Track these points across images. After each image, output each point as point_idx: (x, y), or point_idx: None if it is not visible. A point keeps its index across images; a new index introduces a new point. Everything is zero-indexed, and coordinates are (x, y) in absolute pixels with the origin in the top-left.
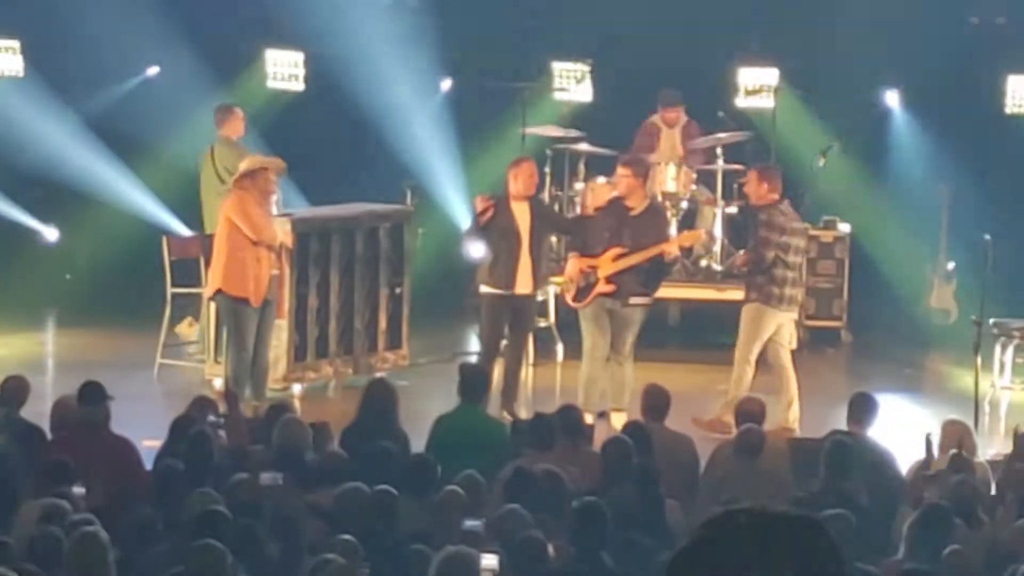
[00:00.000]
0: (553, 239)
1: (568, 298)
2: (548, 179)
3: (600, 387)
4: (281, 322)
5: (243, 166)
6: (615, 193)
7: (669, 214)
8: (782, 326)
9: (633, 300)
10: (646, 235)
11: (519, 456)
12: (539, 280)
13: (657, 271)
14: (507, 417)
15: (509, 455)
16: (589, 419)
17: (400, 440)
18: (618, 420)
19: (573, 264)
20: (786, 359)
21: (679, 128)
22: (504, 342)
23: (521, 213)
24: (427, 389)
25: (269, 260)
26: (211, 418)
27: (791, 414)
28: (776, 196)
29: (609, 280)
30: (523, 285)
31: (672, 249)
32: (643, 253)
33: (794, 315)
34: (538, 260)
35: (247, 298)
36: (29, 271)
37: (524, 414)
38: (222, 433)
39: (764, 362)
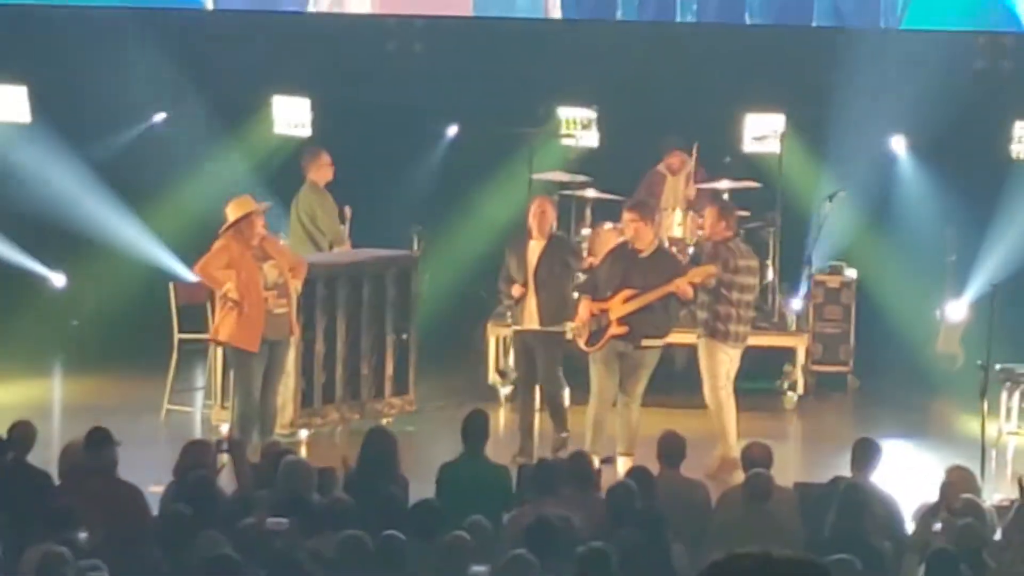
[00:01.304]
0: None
1: (581, 343)
2: (555, 225)
3: (608, 430)
4: (288, 367)
5: (229, 214)
6: (623, 237)
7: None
8: (731, 362)
9: (646, 342)
10: (656, 276)
11: (525, 502)
12: (546, 316)
13: (669, 312)
14: (519, 461)
15: (513, 501)
16: (596, 462)
17: (401, 486)
18: (625, 465)
19: (584, 308)
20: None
21: (684, 174)
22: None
23: (533, 251)
24: (434, 435)
25: (262, 304)
26: (223, 445)
27: (726, 447)
28: (730, 233)
29: (621, 322)
30: (530, 320)
31: (685, 287)
32: (654, 293)
33: (739, 351)
34: (544, 297)
35: (241, 347)
36: (36, 317)
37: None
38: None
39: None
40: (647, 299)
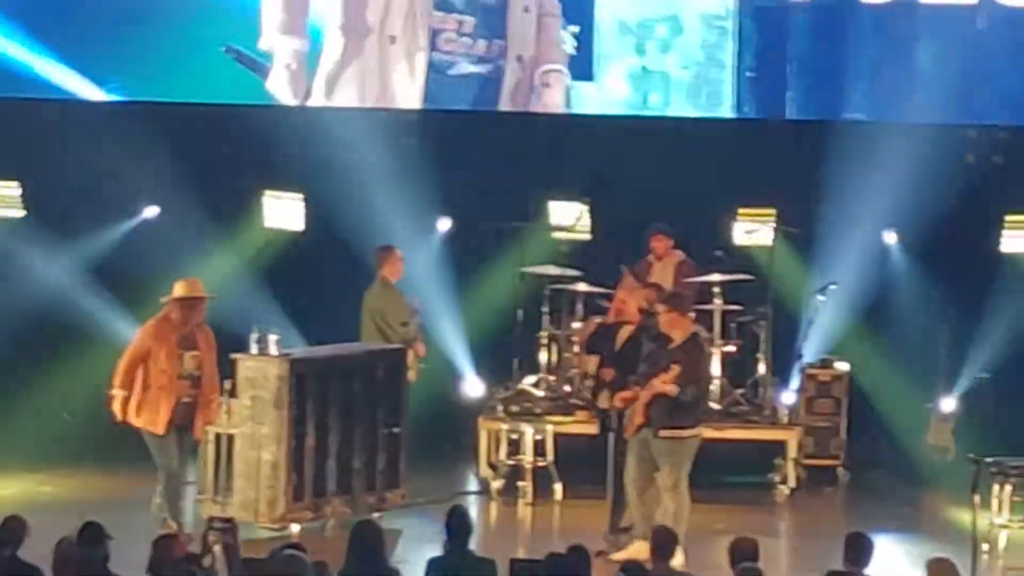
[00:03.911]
0: None
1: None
2: (547, 319)
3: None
4: (279, 460)
5: (177, 289)
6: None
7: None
8: None
9: (663, 432)
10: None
11: None
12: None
13: (680, 404)
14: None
15: None
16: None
17: None
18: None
19: (618, 397)
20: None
21: (673, 265)
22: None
23: (622, 336)
24: (425, 529)
25: (173, 388)
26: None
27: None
28: None
29: (644, 411)
30: (603, 401)
31: (665, 388)
32: (652, 386)
33: None
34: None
35: (149, 429)
36: (28, 411)
37: (522, 553)
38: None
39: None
40: (650, 390)
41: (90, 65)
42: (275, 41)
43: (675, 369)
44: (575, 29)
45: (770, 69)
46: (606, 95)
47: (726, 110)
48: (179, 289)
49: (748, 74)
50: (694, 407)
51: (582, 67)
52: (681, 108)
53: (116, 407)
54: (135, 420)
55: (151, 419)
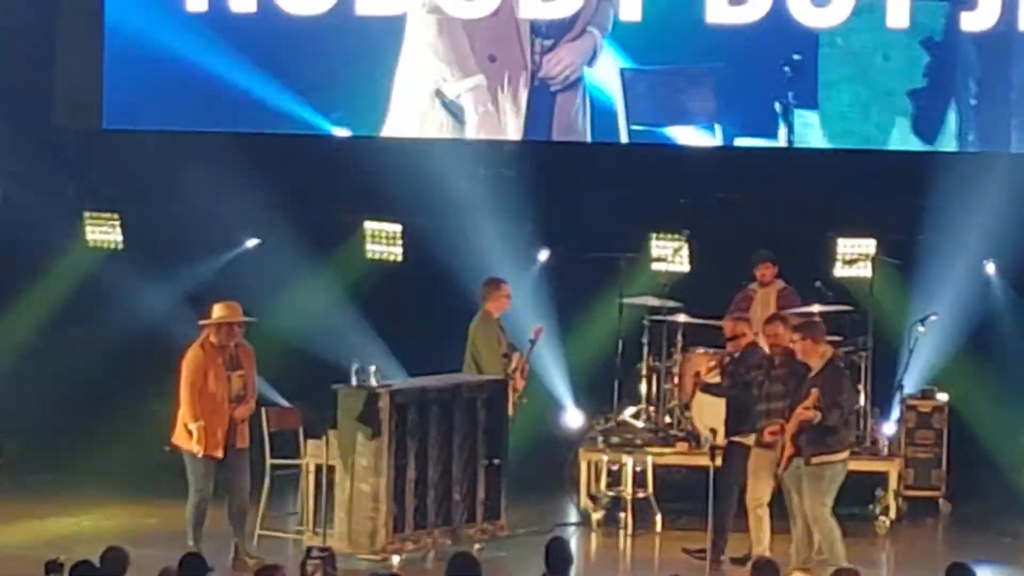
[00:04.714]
0: None
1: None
2: (646, 350)
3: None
4: (379, 491)
5: (215, 311)
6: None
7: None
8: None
9: (814, 460)
10: (824, 394)
11: None
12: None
13: (826, 429)
14: None
15: None
16: None
17: None
18: None
19: (766, 432)
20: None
21: (774, 292)
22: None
23: None
24: (526, 561)
25: (224, 412)
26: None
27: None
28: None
29: (793, 441)
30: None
31: (808, 415)
32: (795, 418)
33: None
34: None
35: (209, 453)
36: (130, 442)
37: None
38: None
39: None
40: (795, 419)
41: (318, 99)
42: (454, 87)
43: (814, 394)
44: (797, 56)
45: (993, 97)
46: (830, 123)
47: (950, 139)
48: (218, 311)
49: (971, 102)
50: (839, 431)
51: (806, 95)
52: (905, 137)
53: (199, 440)
54: (194, 445)
55: (211, 443)
